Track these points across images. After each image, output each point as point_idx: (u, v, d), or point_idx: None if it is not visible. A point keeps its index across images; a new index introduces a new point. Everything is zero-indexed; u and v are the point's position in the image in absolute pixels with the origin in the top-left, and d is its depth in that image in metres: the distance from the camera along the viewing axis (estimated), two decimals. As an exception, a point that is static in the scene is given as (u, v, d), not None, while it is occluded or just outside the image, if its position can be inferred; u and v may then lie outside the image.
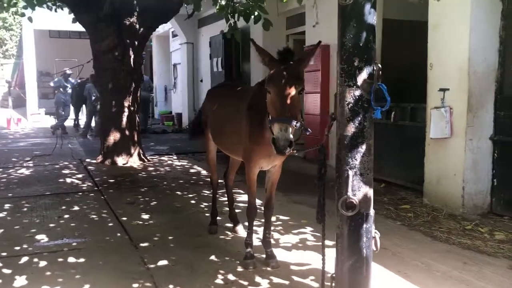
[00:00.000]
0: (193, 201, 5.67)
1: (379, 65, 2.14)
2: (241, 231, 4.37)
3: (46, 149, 9.63)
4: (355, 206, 2.12)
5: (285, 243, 4.18)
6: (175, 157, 8.97)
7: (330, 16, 7.65)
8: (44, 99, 20.34)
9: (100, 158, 8.08)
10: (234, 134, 3.59)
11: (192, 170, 7.67)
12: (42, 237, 4.29)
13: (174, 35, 15.88)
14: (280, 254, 3.80)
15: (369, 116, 2.17)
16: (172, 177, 7.06)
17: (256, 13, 5.92)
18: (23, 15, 8.64)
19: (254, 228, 4.55)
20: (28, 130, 14.03)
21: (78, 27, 15.34)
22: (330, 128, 2.37)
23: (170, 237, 4.31)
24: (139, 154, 8.15)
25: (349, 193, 2.12)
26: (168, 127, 15.20)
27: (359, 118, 2.16)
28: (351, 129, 2.16)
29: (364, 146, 2.16)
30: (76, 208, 5.32)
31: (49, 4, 8.56)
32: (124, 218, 4.88)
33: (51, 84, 13.63)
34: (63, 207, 5.34)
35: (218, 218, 4.90)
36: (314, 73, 7.79)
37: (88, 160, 8.36)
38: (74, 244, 4.10)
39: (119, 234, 4.40)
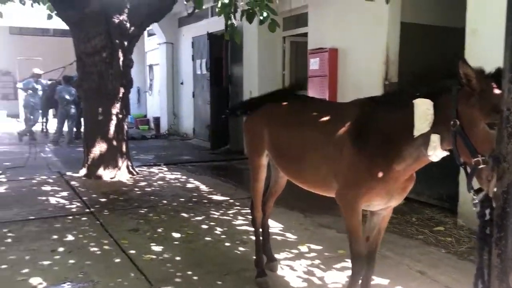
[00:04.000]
0: (204, 226, 4.98)
1: None
2: (277, 269, 3.76)
3: (17, 160, 8.65)
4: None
5: (335, 283, 3.58)
6: (165, 168, 8.22)
7: (337, 17, 7.15)
8: (5, 100, 18.98)
9: (83, 172, 7.24)
10: (323, 165, 2.81)
11: (189, 185, 6.96)
12: (39, 281, 3.52)
13: (150, 34, 15.01)
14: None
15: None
16: (171, 194, 6.33)
17: (265, 14, 5.35)
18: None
19: (288, 262, 3.99)
20: (-10, 136, 12.85)
21: (42, 24, 14.35)
22: (494, 175, 1.73)
23: (194, 277, 3.63)
24: (127, 167, 7.36)
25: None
26: (144, 132, 14.35)
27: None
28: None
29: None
30: (70, 237, 4.54)
31: (24, -2, 7.62)
32: (133, 251, 4.15)
33: (20, 85, 12.50)
34: (55, 237, 4.55)
35: (241, 249, 4.29)
36: (320, 79, 7.25)
37: (69, 173, 7.48)
38: (82, 291, 3.38)
39: (132, 274, 3.68)
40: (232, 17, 5.67)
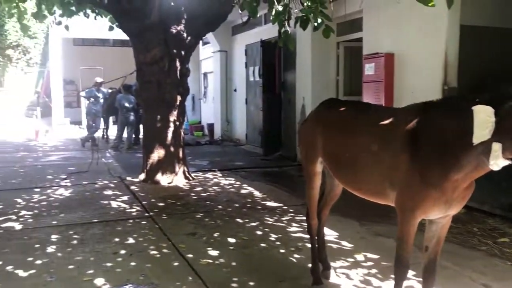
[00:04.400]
0: (259, 232, 5.02)
1: None
2: (333, 277, 3.73)
3: (80, 165, 9.10)
4: None
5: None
6: (219, 174, 8.36)
7: (393, 22, 7.01)
8: (68, 108, 20.01)
9: (142, 177, 7.51)
10: (379, 173, 2.77)
11: (243, 191, 7.04)
12: (102, 282, 3.69)
13: (205, 43, 15.34)
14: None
15: None
16: (225, 200, 6.44)
17: (319, 20, 5.35)
18: (59, 23, 8.17)
19: (344, 270, 3.95)
20: (56, 142, 13.58)
21: (103, 34, 15.07)
22: None
23: (250, 283, 3.67)
24: (184, 172, 7.56)
25: None
26: (199, 138, 14.66)
27: None
28: None
29: None
30: (131, 240, 4.72)
31: (88, 12, 8.05)
32: (190, 255, 4.25)
33: (83, 94, 13.16)
34: (116, 239, 4.75)
35: (296, 256, 4.29)
36: (375, 84, 7.13)
37: (129, 178, 7.78)
38: (143, 292, 3.51)
39: (190, 278, 3.78)
40: (286, 24, 5.73)
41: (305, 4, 5.50)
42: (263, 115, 10.77)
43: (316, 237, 3.70)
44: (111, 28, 8.63)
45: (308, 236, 3.86)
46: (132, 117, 11.85)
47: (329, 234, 4.67)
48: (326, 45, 8.79)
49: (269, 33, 10.58)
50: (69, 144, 12.96)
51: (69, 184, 7.46)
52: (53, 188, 7.15)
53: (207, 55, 15.30)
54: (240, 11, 6.11)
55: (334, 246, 4.53)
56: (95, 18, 8.13)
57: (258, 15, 8.30)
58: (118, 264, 4.09)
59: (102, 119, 12.99)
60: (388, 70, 6.97)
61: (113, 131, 13.13)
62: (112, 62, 18.51)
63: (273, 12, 5.70)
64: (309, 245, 3.86)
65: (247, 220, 5.43)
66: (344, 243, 4.65)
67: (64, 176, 8.00)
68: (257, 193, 6.86)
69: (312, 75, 9.09)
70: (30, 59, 24.66)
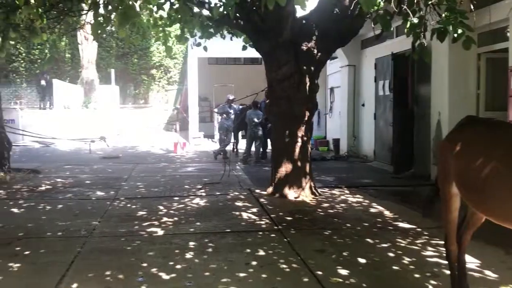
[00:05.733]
0: (391, 254, 4.81)
1: None
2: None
3: (214, 176, 9.64)
4: None
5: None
6: (346, 191, 8.21)
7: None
8: (203, 123, 21.41)
9: (270, 190, 7.70)
10: None
11: (372, 210, 6.82)
12: (236, 291, 3.85)
13: (333, 58, 15.30)
14: None
15: None
16: (354, 218, 6.30)
17: (459, 31, 5.01)
18: (199, 44, 8.83)
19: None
20: (191, 154, 14.61)
21: (235, 54, 15.97)
22: None
23: (383, 307, 3.53)
24: (310, 187, 7.57)
25: None
26: (324, 153, 14.60)
27: None
28: None
29: None
30: (261, 252, 4.84)
31: (224, 33, 8.60)
32: (320, 272, 4.22)
33: (215, 110, 14.02)
34: (248, 250, 4.91)
35: (433, 282, 4.01)
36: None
37: (257, 190, 8.04)
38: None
39: (321, 296, 3.76)
40: (422, 37, 5.48)
41: (443, 15, 5.21)
42: (393, 131, 10.36)
43: (455, 264, 3.43)
44: (244, 48, 9.07)
45: (446, 262, 3.59)
46: (260, 132, 12.28)
47: (470, 261, 4.28)
48: (466, 57, 8.18)
49: (401, 45, 10.19)
50: (203, 156, 13.83)
51: (204, 194, 7.95)
52: (190, 197, 7.68)
53: (334, 69, 15.24)
54: (372, 25, 5.99)
55: (476, 275, 4.15)
56: (231, 39, 8.64)
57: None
58: (250, 275, 4.22)
59: (232, 133, 13.68)
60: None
61: (241, 145, 13.72)
62: (242, 79, 19.41)
63: (408, 25, 5.50)
64: (447, 272, 3.59)
65: (377, 241, 5.23)
66: (487, 272, 4.23)
67: (200, 186, 8.55)
68: (387, 213, 6.59)
69: (449, 89, 8.52)
70: (170, 77, 27.02)
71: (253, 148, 12.52)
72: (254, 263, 4.53)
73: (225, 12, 6.49)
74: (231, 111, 13.16)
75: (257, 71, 20.82)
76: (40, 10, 6.53)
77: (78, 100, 21.25)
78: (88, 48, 21.52)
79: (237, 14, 6.92)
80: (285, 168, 7.47)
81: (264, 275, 4.20)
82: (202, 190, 8.25)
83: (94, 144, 14.94)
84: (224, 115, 13.21)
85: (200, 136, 17.78)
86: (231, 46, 9.99)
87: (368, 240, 5.28)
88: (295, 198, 7.40)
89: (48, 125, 17.12)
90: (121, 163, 12.04)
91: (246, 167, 11.53)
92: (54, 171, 10.39)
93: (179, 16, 7.54)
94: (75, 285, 3.99)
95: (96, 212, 6.63)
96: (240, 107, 13.53)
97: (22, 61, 24.01)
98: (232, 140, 14.15)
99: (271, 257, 4.72)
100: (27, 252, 4.85)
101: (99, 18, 6.46)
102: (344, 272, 4.26)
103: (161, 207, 6.91)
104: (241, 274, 4.22)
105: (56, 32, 9.28)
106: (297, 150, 7.46)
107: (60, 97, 20.25)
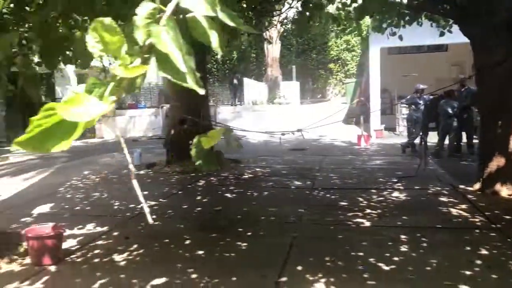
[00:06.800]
0: None
1: None
2: None
3: (405, 170, 9.32)
4: None
5: None
6: None
7: None
8: (383, 115, 20.88)
9: (477, 186, 7.11)
10: None
11: None
12: (465, 289, 3.66)
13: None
14: None
15: None
16: None
17: None
18: (394, 34, 8.61)
19: None
20: (375, 147, 14.35)
21: (419, 41, 15.09)
22: None
23: None
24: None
25: None
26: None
27: None
28: None
29: None
30: (483, 251, 4.52)
31: (421, 19, 8.22)
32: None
33: (404, 101, 13.52)
34: (467, 248, 4.63)
35: None
36: None
37: (461, 186, 7.50)
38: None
39: None
40: None
41: None
42: None
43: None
44: (442, 34, 8.55)
45: None
46: (455, 124, 11.42)
47: None
48: None
49: None
50: (388, 149, 13.47)
51: (401, 187, 7.74)
52: (388, 190, 7.55)
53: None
54: None
55: None
56: (431, 25, 8.21)
57: None
58: (477, 274, 3.97)
59: (420, 125, 12.98)
60: None
61: (431, 138, 12.95)
62: (425, 68, 18.33)
63: None
64: None
65: None
66: None
67: (395, 180, 8.35)
68: None
69: None
70: (347, 70, 27.02)
71: (446, 141, 11.70)
72: (478, 262, 4.24)
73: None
74: (421, 101, 12.49)
75: (442, 58, 19.45)
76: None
77: (263, 96, 22.71)
78: (272, 47, 22.81)
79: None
80: (497, 162, 6.79)
81: (494, 276, 3.91)
82: (399, 184, 8.04)
83: (283, 136, 15.76)
84: (413, 106, 12.62)
85: (381, 128, 17.35)
86: (418, 33, 9.50)
87: None
88: (509, 195, 6.70)
89: (240, 120, 18.70)
90: (309, 155, 12.46)
91: (439, 161, 10.85)
92: (252, 161, 11.28)
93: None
94: (299, 267, 4.28)
95: (300, 200, 7.00)
96: (431, 97, 12.76)
97: (214, 63, 26.69)
98: (420, 132, 13.45)
99: (497, 257, 4.36)
100: (249, 233, 5.38)
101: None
102: None
103: (360, 199, 6.95)
104: (467, 272, 4.00)
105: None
106: (511, 143, 6.73)
107: (249, 94, 21.94)
